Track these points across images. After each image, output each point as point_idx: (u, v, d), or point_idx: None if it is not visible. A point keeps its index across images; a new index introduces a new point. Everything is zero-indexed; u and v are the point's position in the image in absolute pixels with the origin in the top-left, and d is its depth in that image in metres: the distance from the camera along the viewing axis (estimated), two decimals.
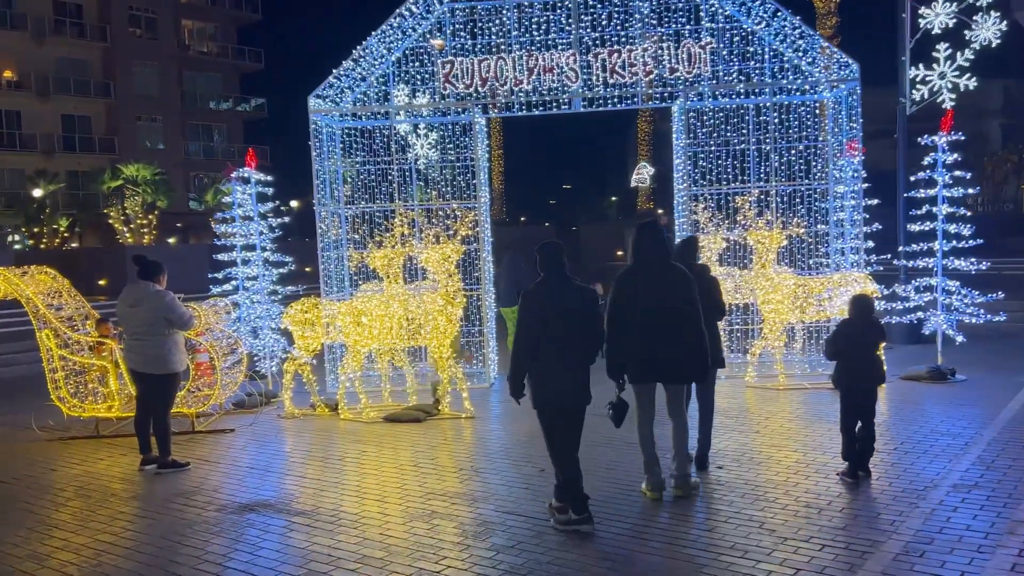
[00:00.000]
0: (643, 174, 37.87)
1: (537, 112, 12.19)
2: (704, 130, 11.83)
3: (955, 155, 10.24)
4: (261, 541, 5.73)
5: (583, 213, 44.93)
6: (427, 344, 9.63)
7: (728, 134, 11.79)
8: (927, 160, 10.45)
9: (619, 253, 33.39)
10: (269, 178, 11.65)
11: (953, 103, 13.06)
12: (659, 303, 6.03)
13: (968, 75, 13.01)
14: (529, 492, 6.53)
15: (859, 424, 6.61)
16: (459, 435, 8.69)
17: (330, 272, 11.67)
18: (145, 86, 47.73)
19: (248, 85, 55.17)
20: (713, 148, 11.87)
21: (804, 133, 11.67)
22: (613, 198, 54.04)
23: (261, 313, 11.37)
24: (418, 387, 10.58)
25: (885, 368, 6.64)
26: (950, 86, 13.16)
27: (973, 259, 10.34)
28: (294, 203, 44.68)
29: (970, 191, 10.18)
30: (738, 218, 11.08)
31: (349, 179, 12.69)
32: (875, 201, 12.59)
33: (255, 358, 11.41)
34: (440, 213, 11.31)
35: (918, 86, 13.59)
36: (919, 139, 10.43)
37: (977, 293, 10.35)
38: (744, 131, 11.81)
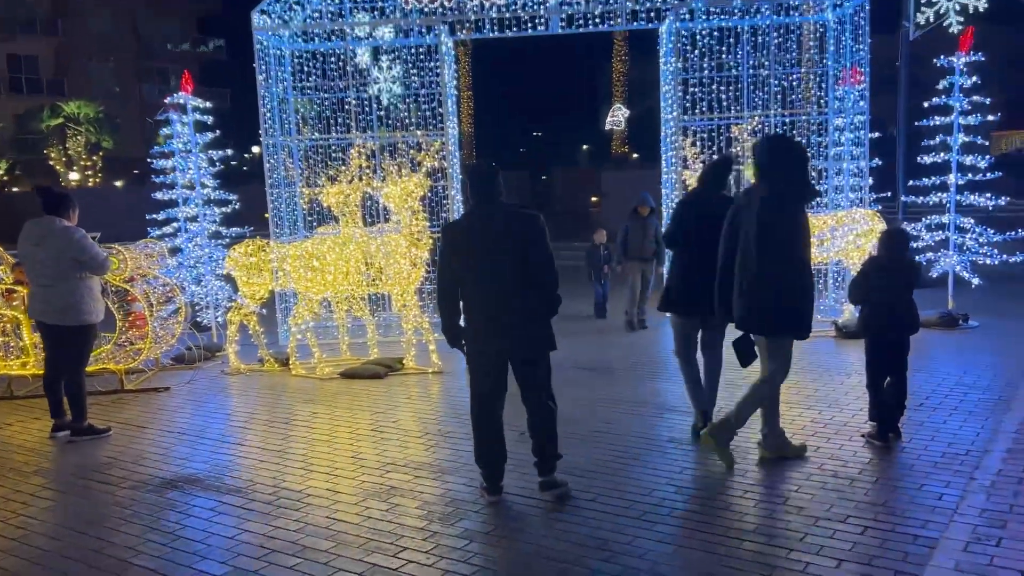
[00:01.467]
0: (618, 116, 36.63)
1: (511, 33, 10.97)
2: (696, 53, 10.69)
3: (974, 78, 9.23)
4: (179, 529, 4.68)
5: (556, 159, 43.62)
6: (389, 291, 8.54)
7: (723, 57, 10.67)
8: (943, 84, 9.43)
9: (594, 199, 32.37)
10: (207, 104, 10.36)
11: (961, 27, 12.02)
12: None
13: None
14: (507, 461, 5.54)
15: (887, 379, 5.69)
16: (425, 393, 7.67)
17: (281, 213, 10.49)
18: (97, 25, 45.13)
19: (209, 26, 52.59)
20: (706, 74, 10.76)
21: (807, 56, 10.59)
22: (585, 146, 52.72)
23: (203, 258, 10.18)
24: (380, 339, 9.53)
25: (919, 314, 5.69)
26: (958, 7, 12.11)
27: (989, 194, 9.41)
28: (256, 149, 42.84)
29: (990, 117, 9.18)
30: (734, 150, 10.03)
31: (301, 109, 11.43)
32: (876, 134, 11.60)
33: (196, 308, 10.26)
34: (403, 146, 10.13)
35: (923, 8, 12.53)
36: (934, 60, 9.39)
37: (993, 232, 9.44)
38: (740, 55, 10.71)
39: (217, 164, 10.38)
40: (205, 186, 10.26)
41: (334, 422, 6.76)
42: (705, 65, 10.60)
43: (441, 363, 8.39)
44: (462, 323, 4.89)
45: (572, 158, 48.52)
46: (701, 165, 10.65)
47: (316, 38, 10.91)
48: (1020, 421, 5.82)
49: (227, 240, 10.45)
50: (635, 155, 39.27)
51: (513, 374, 4.86)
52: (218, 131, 10.54)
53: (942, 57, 9.35)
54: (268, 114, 10.30)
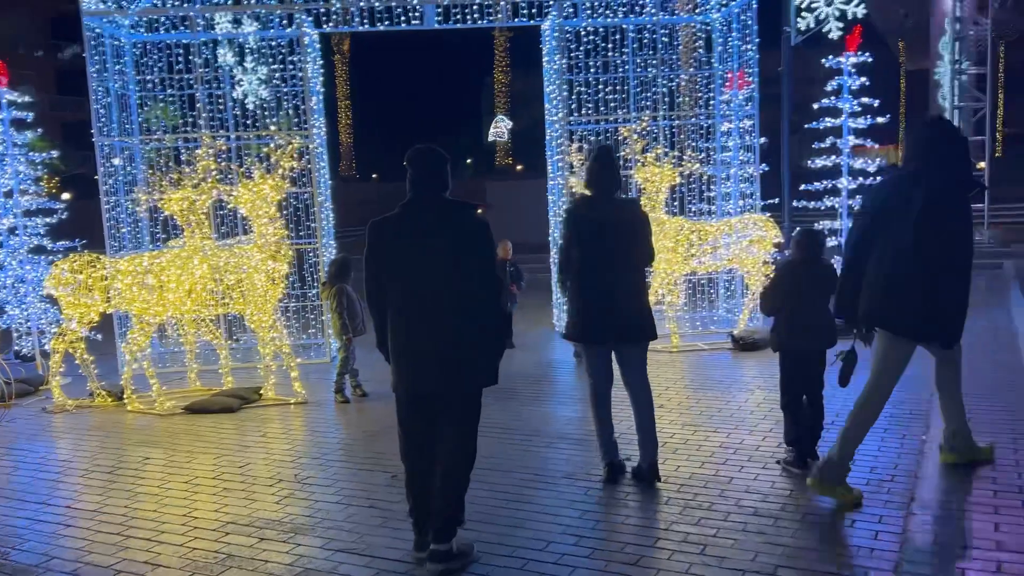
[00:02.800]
0: (501, 128, 36.15)
1: (382, 27, 10.06)
2: (581, 51, 10.08)
3: (863, 79, 8.98)
4: None
5: None
6: (241, 311, 7.45)
7: (610, 56, 10.11)
8: (831, 85, 9.14)
9: (479, 211, 31.56)
10: (27, 99, 8.96)
11: (841, 33, 11.96)
12: None
13: (856, 1, 11.94)
14: (377, 515, 4.61)
15: (804, 398, 5.11)
16: (284, 429, 6.63)
17: (121, 224, 9.19)
18: None
19: (62, 29, 48.95)
20: (592, 74, 10.16)
21: (686, 58, 10.17)
22: (468, 160, 52.17)
23: (23, 276, 8.76)
24: (238, 364, 8.41)
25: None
26: (837, 13, 12.07)
27: None
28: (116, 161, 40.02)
29: (879, 120, 8.94)
30: (622, 153, 9.46)
31: (150, 108, 10.14)
32: (763, 140, 11.32)
33: (17, 334, 8.82)
34: (261, 148, 9.04)
35: (803, 14, 12.44)
36: (823, 60, 9.10)
37: None
38: (627, 56, 10.18)
39: (40, 168, 8.99)
40: (25, 192, 8.85)
41: (168, 469, 5.64)
42: (592, 64, 10.02)
43: (305, 392, 7.36)
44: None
45: (457, 171, 47.88)
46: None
47: (161, 27, 9.68)
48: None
49: (57, 255, 9.06)
50: (519, 167, 38.90)
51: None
52: (39, 129, 9.15)
53: (830, 58, 9.06)
54: (102, 112, 8.99)
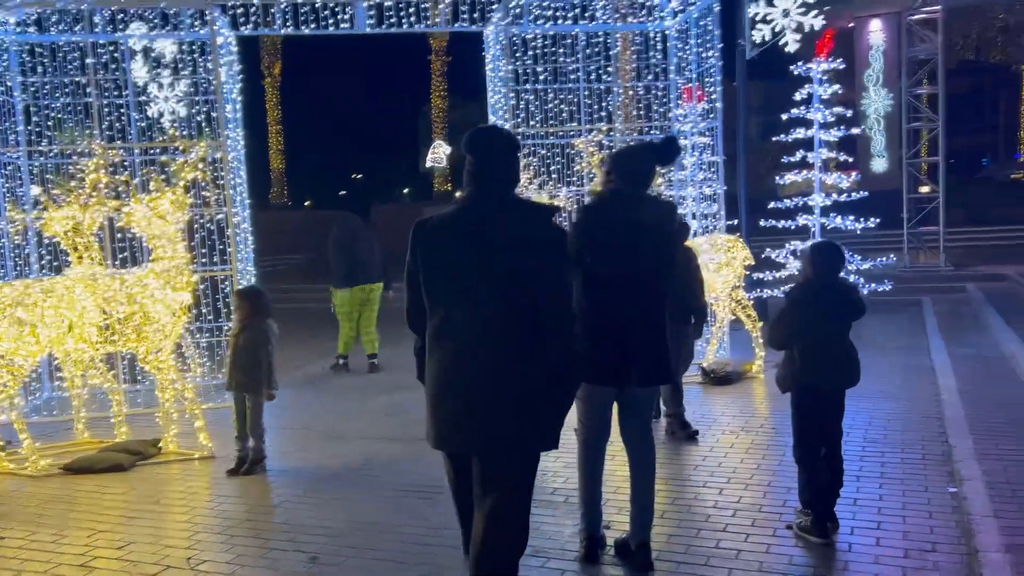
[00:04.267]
0: (439, 153, 35.27)
1: (308, 30, 9.06)
2: (529, 57, 9.20)
3: (836, 87, 8.30)
4: None
5: (377, 195, 41.56)
6: (132, 348, 6.26)
7: (558, 62, 9.26)
8: (800, 95, 8.44)
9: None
10: None
11: (798, 46, 11.38)
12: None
13: (814, 12, 11.37)
14: None
15: (823, 448, 4.21)
16: (183, 493, 5.45)
17: (3, 248, 7.91)
18: None
19: None
20: (540, 82, 9.29)
21: (652, 63, 9.38)
22: (406, 190, 51.04)
23: None
24: (136, 411, 7.18)
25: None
26: (794, 25, 11.47)
27: (852, 217, 8.48)
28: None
29: (854, 131, 8.26)
30: (578, 167, 8.58)
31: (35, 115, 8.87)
32: (719, 158, 10.59)
33: None
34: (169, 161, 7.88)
35: (759, 26, 11.82)
36: (792, 68, 8.40)
37: (860, 258, 8.50)
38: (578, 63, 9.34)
39: None
40: None
41: (24, 554, 4.43)
42: (541, 69, 9.15)
43: (213, 445, 6.20)
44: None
45: (394, 197, 46.70)
46: (537, 189, 9.16)
47: (53, 27, 8.49)
48: (983, 497, 4.45)
49: None
50: (459, 193, 37.72)
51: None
52: None
53: (800, 64, 8.36)
54: None
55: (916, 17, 13.72)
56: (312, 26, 9.02)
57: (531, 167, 9.61)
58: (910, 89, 14.12)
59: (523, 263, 2.90)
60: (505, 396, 2.89)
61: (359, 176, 61.63)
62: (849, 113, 8.39)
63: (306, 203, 43.00)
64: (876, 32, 26.48)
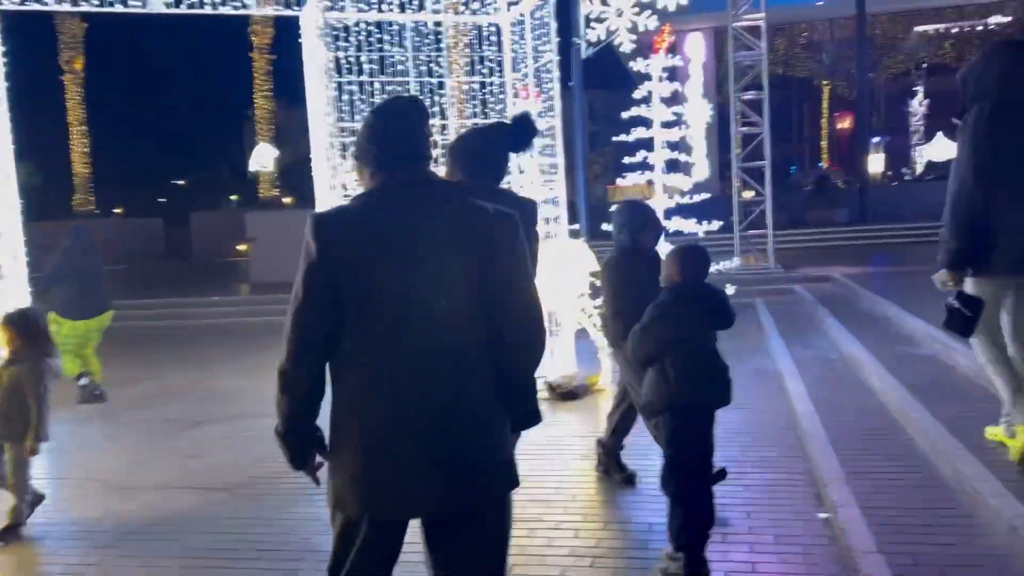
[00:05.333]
0: (264, 156, 33.34)
1: (86, 6, 7.79)
2: (348, 42, 8.31)
3: (675, 84, 7.99)
4: None
5: (196, 200, 38.87)
6: None
7: (385, 51, 8.43)
8: (640, 93, 8.07)
9: (241, 248, 28.52)
10: None
11: (634, 46, 11.16)
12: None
13: (648, 12, 11.18)
14: None
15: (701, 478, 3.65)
16: None
17: None
18: None
19: None
20: (366, 76, 8.42)
21: (486, 58, 8.73)
22: (234, 196, 48.27)
23: None
24: None
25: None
26: (629, 25, 11.24)
27: (693, 219, 8.20)
28: None
29: (707, 117, 7.95)
30: None
31: None
32: (557, 160, 10.12)
33: None
34: None
35: (593, 24, 11.53)
36: (631, 64, 8.01)
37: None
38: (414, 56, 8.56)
39: None
40: None
41: None
42: (365, 59, 8.29)
43: None
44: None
45: (216, 204, 44.01)
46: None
47: None
48: (861, 526, 4.04)
49: None
50: (287, 199, 36.00)
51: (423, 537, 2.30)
52: None
53: (638, 59, 7.99)
54: None
55: (741, 24, 13.91)
56: (94, 1, 7.77)
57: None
58: (737, 94, 14.31)
59: (465, 262, 2.20)
60: (479, 437, 2.20)
61: (181, 182, 57.94)
62: (684, 115, 8.07)
63: (116, 211, 39.62)
64: (696, 45, 27.49)
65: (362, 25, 8.38)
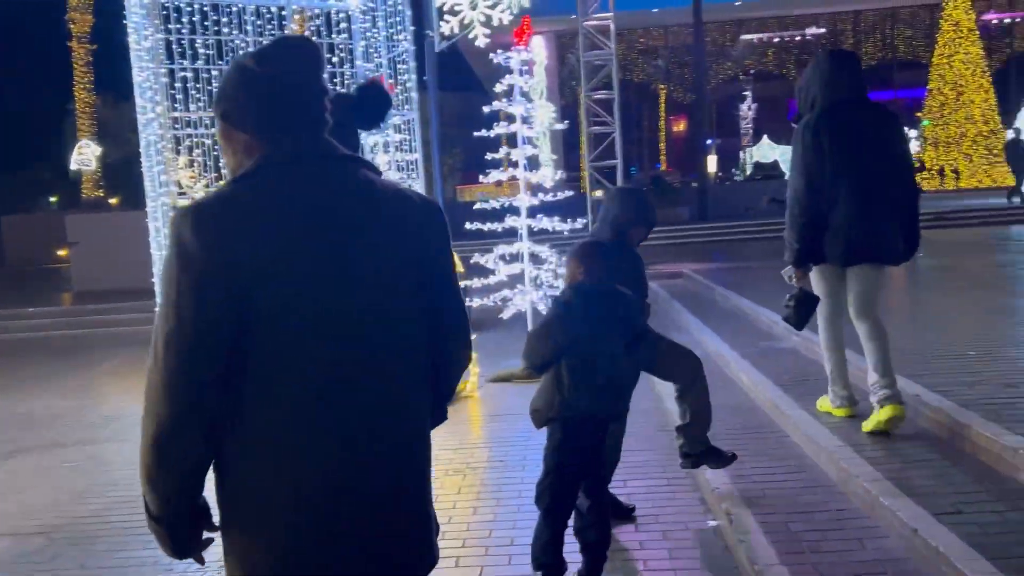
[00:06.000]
0: (86, 154, 30.63)
1: None
2: (182, 23, 7.51)
3: (539, 79, 7.73)
4: None
5: (9, 202, 35.31)
6: None
7: (223, 36, 7.69)
8: (501, 86, 7.77)
9: (61, 253, 25.97)
10: None
11: (488, 40, 10.90)
12: None
13: (502, 7, 10.96)
14: None
15: (581, 496, 3.37)
16: None
17: None
18: None
19: None
20: (202, 62, 7.65)
21: (335, 45, 8.15)
22: (53, 197, 44.37)
23: None
24: None
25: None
26: (483, 18, 10.98)
27: (557, 217, 8.00)
28: None
29: (559, 126, 7.75)
30: None
31: None
32: (415, 156, 9.69)
33: None
34: None
35: (447, 17, 11.18)
36: (492, 56, 7.69)
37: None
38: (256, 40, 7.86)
39: None
40: None
41: None
42: (200, 43, 7.52)
43: None
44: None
45: (32, 206, 40.30)
46: (205, 189, 7.60)
47: None
48: (760, 537, 3.86)
49: None
50: (113, 200, 33.27)
51: None
52: None
53: (499, 52, 7.69)
54: None
55: (591, 23, 13.95)
56: None
57: (195, 163, 8.02)
58: (588, 94, 14.36)
59: (416, 263, 1.67)
60: (417, 531, 1.69)
61: None
62: (555, 109, 7.84)
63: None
64: (539, 49, 27.78)
65: (196, 6, 7.61)
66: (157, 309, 1.56)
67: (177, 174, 7.89)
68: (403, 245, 1.65)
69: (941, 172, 33.17)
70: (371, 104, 2.27)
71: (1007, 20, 45.50)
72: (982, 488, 3.59)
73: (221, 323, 1.49)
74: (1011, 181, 24.98)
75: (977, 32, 35.17)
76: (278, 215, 1.54)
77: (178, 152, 7.74)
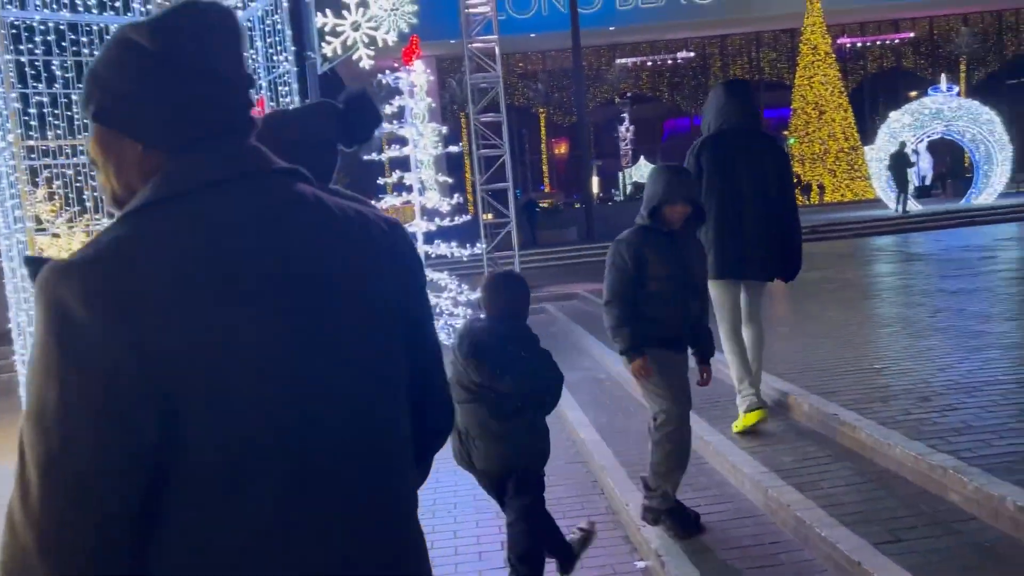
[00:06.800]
0: None
1: None
2: (39, 47, 6.85)
3: (429, 100, 7.47)
4: None
5: None
6: None
7: (83, 56, 7.05)
8: (391, 108, 7.47)
9: None
10: None
11: (372, 62, 10.56)
12: None
13: (385, 28, 10.64)
14: None
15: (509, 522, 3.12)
16: None
17: None
18: None
19: None
20: (61, 85, 6.99)
21: None
22: None
23: None
24: None
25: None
26: (367, 39, 10.63)
27: (455, 243, 7.73)
28: None
29: (453, 149, 7.50)
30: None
31: None
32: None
33: None
34: None
35: (328, 38, 10.76)
36: (380, 76, 7.37)
37: (468, 287, 7.77)
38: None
39: None
40: None
41: None
42: (57, 65, 6.87)
43: None
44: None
45: None
46: (66, 225, 6.94)
47: None
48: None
49: None
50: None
51: None
52: None
53: (387, 73, 7.38)
54: None
55: (476, 45, 13.80)
56: None
57: (56, 195, 7.34)
58: (476, 116, 14.21)
59: (393, 310, 1.20)
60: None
61: None
62: (444, 128, 7.59)
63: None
64: (420, 73, 27.54)
65: (51, 24, 6.97)
66: (23, 404, 1.04)
67: (35, 208, 7.19)
68: (379, 288, 1.19)
69: (808, 189, 34.88)
70: (357, 115, 1.86)
71: (859, 44, 48.69)
72: (915, 512, 3.51)
73: (137, 445, 0.98)
74: (871, 195, 26.47)
75: (833, 55, 37.33)
76: (208, 264, 1.03)
77: (35, 184, 7.05)
